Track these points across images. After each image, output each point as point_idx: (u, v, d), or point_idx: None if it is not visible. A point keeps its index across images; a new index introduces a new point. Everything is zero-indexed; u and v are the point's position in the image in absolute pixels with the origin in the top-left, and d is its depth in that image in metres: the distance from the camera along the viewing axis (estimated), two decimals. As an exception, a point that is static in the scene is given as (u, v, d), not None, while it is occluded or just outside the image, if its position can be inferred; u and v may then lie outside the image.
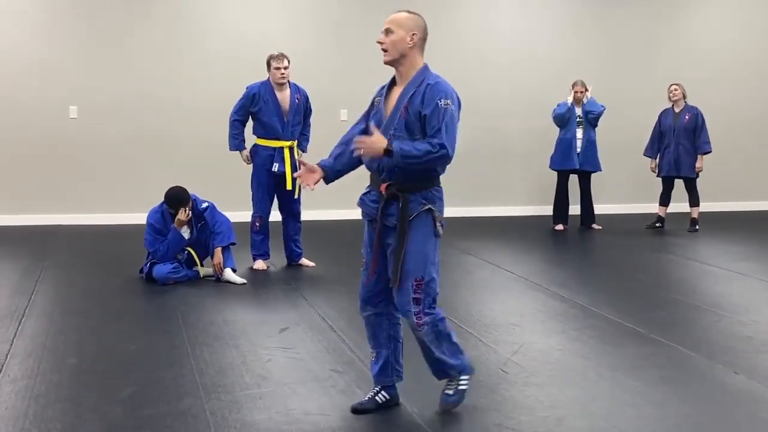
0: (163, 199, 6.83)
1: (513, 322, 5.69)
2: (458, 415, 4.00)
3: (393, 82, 3.96)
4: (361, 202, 4.01)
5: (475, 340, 5.25)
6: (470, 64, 10.69)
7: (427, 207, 3.85)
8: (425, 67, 3.89)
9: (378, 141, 3.69)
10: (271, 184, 7.29)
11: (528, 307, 6.17)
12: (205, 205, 6.96)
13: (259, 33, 9.97)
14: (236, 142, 7.28)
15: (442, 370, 4.03)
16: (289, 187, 7.24)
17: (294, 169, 7.23)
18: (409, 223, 3.81)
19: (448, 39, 10.63)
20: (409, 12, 3.90)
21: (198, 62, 9.97)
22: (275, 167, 7.18)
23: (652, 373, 4.63)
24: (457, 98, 3.86)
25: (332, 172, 4.01)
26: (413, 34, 3.83)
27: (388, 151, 3.67)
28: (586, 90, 9.64)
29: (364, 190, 4.01)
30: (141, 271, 6.94)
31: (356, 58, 10.37)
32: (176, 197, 6.78)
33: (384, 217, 3.87)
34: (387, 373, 4.07)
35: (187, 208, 6.76)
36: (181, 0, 9.95)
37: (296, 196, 7.33)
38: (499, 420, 3.93)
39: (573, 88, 9.63)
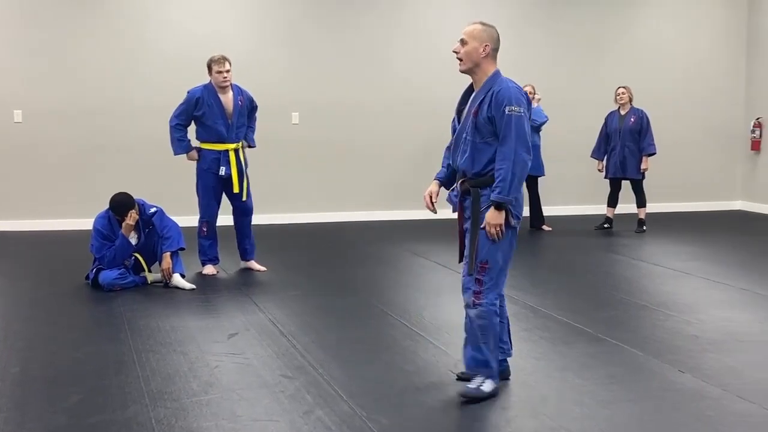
0: (108, 206, 6.74)
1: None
2: (407, 418, 3.99)
3: (471, 88, 4.35)
4: (449, 197, 4.48)
5: (426, 342, 5.25)
6: (422, 66, 10.71)
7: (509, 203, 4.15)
8: (495, 74, 4.24)
9: (494, 219, 4.09)
10: (217, 188, 7.23)
11: (478, 309, 6.17)
12: (153, 210, 6.87)
13: (208, 35, 9.88)
14: (182, 144, 7.19)
15: (475, 360, 4.25)
16: (236, 190, 7.18)
17: (240, 171, 7.18)
18: (482, 214, 4.17)
19: (400, 42, 10.65)
20: (483, 24, 4.29)
21: (146, 64, 9.85)
22: (222, 171, 7.12)
23: (601, 372, 4.67)
24: (525, 97, 4.18)
25: (448, 181, 4.56)
26: (486, 45, 4.21)
27: (500, 205, 4.08)
28: (536, 94, 9.71)
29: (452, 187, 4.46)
30: (87, 277, 6.83)
31: (307, 62, 10.33)
32: (121, 204, 6.68)
33: (463, 210, 4.33)
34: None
35: (133, 213, 6.67)
36: (129, 2, 9.81)
37: (243, 199, 7.27)
38: (447, 422, 3.93)
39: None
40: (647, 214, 10.07)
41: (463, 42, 4.22)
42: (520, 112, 4.08)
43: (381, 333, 5.51)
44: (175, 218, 7.06)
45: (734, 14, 11.93)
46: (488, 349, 4.23)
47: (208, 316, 5.97)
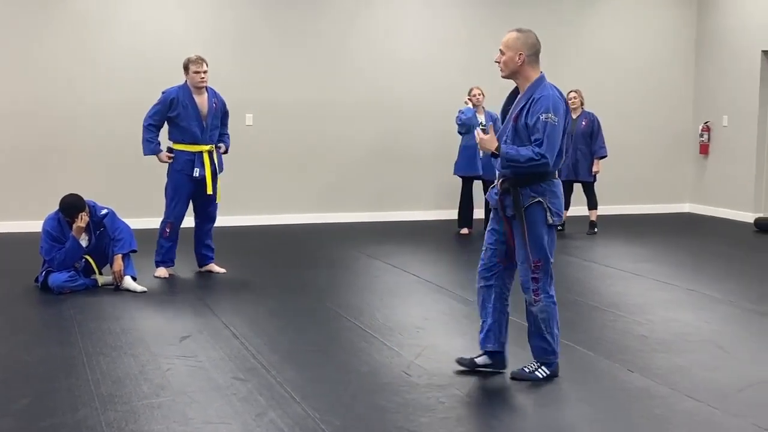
0: (58, 207, 6.65)
1: (418, 326, 5.72)
2: (360, 419, 4.00)
3: (517, 91, 4.55)
4: (489, 194, 4.63)
5: (380, 343, 5.27)
6: (377, 67, 10.74)
7: (537, 199, 4.38)
8: (537, 80, 4.43)
9: (490, 141, 4.38)
10: (189, 190, 7.18)
11: (433, 311, 6.22)
12: (104, 211, 6.80)
13: (163, 37, 9.80)
14: (152, 146, 7.11)
15: (542, 350, 4.52)
16: (209, 191, 7.15)
17: (214, 173, 7.15)
18: (525, 211, 4.38)
19: (354, 42, 10.66)
20: (518, 31, 4.48)
21: (98, 65, 9.71)
22: (196, 172, 7.08)
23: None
24: (563, 105, 4.40)
25: None
26: (520, 54, 4.40)
27: (497, 153, 4.34)
28: (483, 95, 9.77)
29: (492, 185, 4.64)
30: (36, 279, 6.73)
31: (261, 63, 10.30)
32: (71, 206, 6.60)
33: (502, 208, 4.48)
34: (489, 339, 4.62)
35: (83, 215, 6.59)
36: (85, 2, 9.68)
37: (218, 201, 7.28)
38: (400, 422, 3.95)
39: (470, 93, 9.76)
40: (599, 216, 10.20)
41: (501, 52, 4.44)
42: (555, 121, 4.30)
43: (334, 335, 5.51)
44: (128, 220, 6.99)
45: (684, 19, 12.13)
46: (552, 336, 4.53)
47: (160, 319, 5.92)
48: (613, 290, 6.98)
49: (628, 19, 11.90)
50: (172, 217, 7.20)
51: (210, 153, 7.16)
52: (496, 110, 9.77)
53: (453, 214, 10.25)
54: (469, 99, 9.76)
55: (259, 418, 4.00)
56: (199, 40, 9.91)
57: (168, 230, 7.20)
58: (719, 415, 4.10)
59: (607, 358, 4.98)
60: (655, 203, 12.15)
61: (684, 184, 12.34)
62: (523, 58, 4.40)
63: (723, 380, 4.65)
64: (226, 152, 7.40)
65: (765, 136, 11.24)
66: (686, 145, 12.26)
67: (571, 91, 10.07)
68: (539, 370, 4.55)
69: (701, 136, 12.00)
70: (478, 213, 10.13)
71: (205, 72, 7.06)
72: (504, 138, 4.45)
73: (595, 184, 10.11)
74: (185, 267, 7.47)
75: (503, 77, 4.52)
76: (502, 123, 4.57)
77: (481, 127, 4.43)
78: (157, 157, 7.15)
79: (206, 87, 7.18)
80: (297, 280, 7.23)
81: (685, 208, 12.31)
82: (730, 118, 11.58)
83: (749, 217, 10.97)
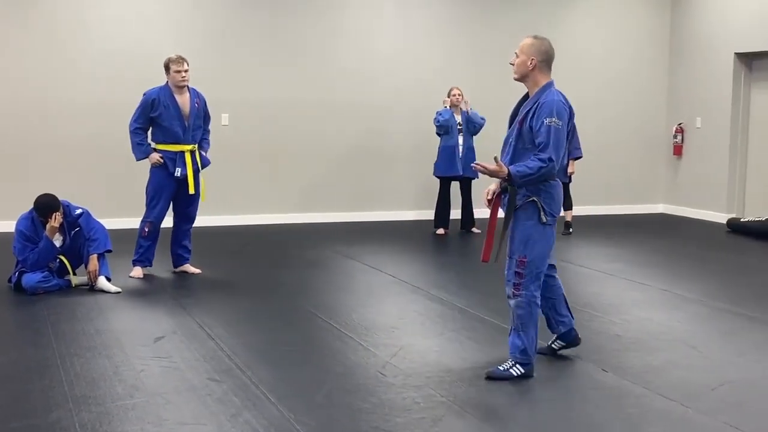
0: (32, 207, 6.61)
1: (393, 325, 5.73)
2: (335, 419, 4.00)
3: (527, 96, 4.69)
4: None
5: (355, 343, 5.27)
6: (353, 67, 10.74)
7: (531, 199, 4.53)
8: (545, 86, 4.60)
9: (499, 171, 4.44)
10: (170, 190, 7.15)
11: (408, 310, 6.22)
12: (79, 211, 6.75)
13: (138, 37, 9.74)
14: (143, 148, 7.07)
15: (516, 348, 4.61)
16: (192, 191, 7.12)
17: (196, 172, 7.12)
18: (517, 211, 4.56)
19: (331, 42, 10.65)
20: (534, 38, 4.63)
21: (75, 66, 9.64)
22: (178, 172, 7.05)
23: (527, 372, 4.74)
24: (568, 110, 4.58)
25: None
26: (532, 59, 4.57)
27: (509, 177, 4.43)
28: (462, 96, 9.81)
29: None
30: (10, 280, 6.68)
31: (235, 63, 10.27)
32: (45, 205, 6.55)
33: (502, 207, 4.68)
34: (552, 325, 4.92)
35: (57, 215, 6.54)
36: (59, 1, 9.60)
37: (203, 200, 7.27)
38: (375, 422, 3.96)
39: (450, 94, 9.81)
40: (574, 217, 10.27)
41: (516, 54, 4.62)
42: (558, 125, 4.45)
43: (310, 335, 5.51)
44: (103, 220, 6.95)
45: (659, 21, 12.23)
46: (527, 337, 4.59)
47: (135, 320, 5.90)
48: (587, 290, 7.02)
49: (603, 21, 11.99)
50: (152, 216, 7.17)
51: (192, 153, 7.14)
52: (478, 109, 9.95)
53: (430, 214, 10.28)
54: (448, 99, 9.80)
55: (234, 418, 3.99)
56: (175, 40, 9.87)
57: (147, 230, 7.16)
58: (692, 414, 4.14)
59: (581, 358, 5.01)
60: (630, 204, 12.23)
61: (658, 185, 12.44)
62: (534, 63, 4.57)
63: (696, 379, 4.69)
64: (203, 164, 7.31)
65: (738, 137, 11.35)
66: (660, 146, 12.36)
67: (546, 92, 10.11)
68: (514, 368, 4.61)
69: (675, 137, 12.10)
70: (455, 214, 10.16)
71: (186, 71, 7.05)
72: (510, 140, 4.63)
73: (571, 185, 10.17)
74: (161, 267, 7.44)
75: (515, 79, 4.71)
76: (509, 127, 4.71)
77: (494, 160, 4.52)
78: (149, 158, 7.09)
79: (188, 87, 7.14)
80: (272, 280, 7.22)
81: (659, 208, 12.41)
82: (703, 120, 11.70)
83: (722, 217, 11.08)
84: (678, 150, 12.09)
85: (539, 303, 4.65)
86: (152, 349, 5.10)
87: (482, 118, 9.87)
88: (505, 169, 4.45)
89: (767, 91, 11.02)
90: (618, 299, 6.65)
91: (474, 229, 10.10)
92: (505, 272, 4.66)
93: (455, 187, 10.07)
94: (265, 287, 6.94)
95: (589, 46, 11.88)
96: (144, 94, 7.11)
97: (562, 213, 10.12)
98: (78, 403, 4.13)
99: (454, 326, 5.76)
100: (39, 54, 9.54)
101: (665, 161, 12.36)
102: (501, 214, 4.73)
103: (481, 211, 10.51)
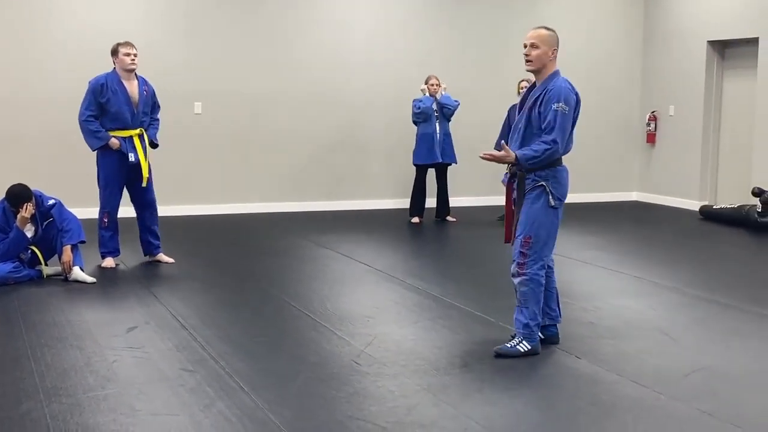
0: (3, 196, 6.52)
1: (368, 315, 5.72)
2: (309, 409, 3.98)
3: (535, 85, 4.85)
4: (503, 179, 5.04)
5: (330, 333, 5.25)
6: (329, 56, 10.68)
7: (540, 183, 4.72)
8: (553, 74, 4.80)
9: (506, 156, 4.61)
10: (121, 177, 7.07)
11: (383, 299, 6.21)
12: (51, 202, 6.68)
13: (109, 25, 9.61)
14: (100, 134, 6.93)
15: (519, 323, 4.80)
16: (145, 174, 7.05)
17: (146, 155, 7.03)
18: (527, 195, 4.75)
19: (306, 31, 10.59)
20: (547, 29, 4.83)
21: (45, 54, 9.52)
22: (131, 157, 6.97)
23: (501, 360, 4.74)
24: (575, 97, 4.79)
25: None
26: (554, 50, 4.80)
27: (516, 162, 4.62)
28: (440, 84, 9.81)
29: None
30: (-21, 271, 6.59)
31: (211, 51, 10.18)
32: (17, 195, 6.47)
33: (511, 192, 4.91)
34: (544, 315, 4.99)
35: (29, 206, 6.46)
36: (24, -13, 9.48)
37: (144, 185, 7.11)
38: (349, 411, 3.94)
39: (427, 82, 9.79)
40: (548, 205, 10.27)
41: (533, 46, 4.72)
42: (565, 110, 4.66)
43: (284, 324, 5.49)
44: (75, 210, 6.87)
45: (632, 9, 12.26)
46: (529, 312, 4.78)
47: (107, 310, 5.84)
48: (561, 278, 6.93)
49: (576, 9, 12.00)
50: (108, 206, 7.09)
51: (141, 137, 7.06)
52: (456, 96, 9.93)
53: (405, 203, 10.27)
54: (426, 86, 9.78)
55: (207, 409, 3.96)
56: (148, 28, 9.78)
57: (106, 220, 7.10)
58: (664, 401, 4.16)
59: (555, 345, 5.02)
60: (603, 192, 12.28)
61: (631, 173, 12.49)
62: (555, 54, 4.79)
63: (668, 366, 4.72)
64: (153, 145, 7.22)
65: (710, 125, 11.42)
66: (633, 134, 12.41)
67: (522, 80, 10.13)
68: (521, 344, 4.79)
69: (648, 125, 12.16)
70: (431, 202, 10.16)
71: (135, 55, 6.96)
72: (519, 126, 4.79)
73: (545, 172, 10.18)
74: (133, 257, 7.38)
75: (530, 70, 4.80)
76: (518, 113, 4.88)
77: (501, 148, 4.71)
78: (110, 144, 6.99)
79: (136, 74, 7.06)
80: (246, 269, 7.18)
81: (633, 196, 12.47)
82: (676, 108, 11.76)
83: (695, 205, 11.17)
84: (651, 138, 12.15)
85: (543, 282, 4.81)
86: (125, 339, 5.06)
87: (456, 101, 9.85)
88: (512, 154, 4.61)
89: (739, 79, 11.09)
90: (592, 287, 6.68)
91: (449, 218, 10.10)
92: (513, 249, 4.87)
93: (431, 175, 10.06)
94: (239, 277, 6.90)
95: (563, 36, 11.81)
96: (90, 82, 6.99)
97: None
98: (49, 395, 4.09)
99: (429, 315, 5.75)
100: (7, 46, 9.40)
101: (639, 149, 12.41)
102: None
103: (456, 200, 10.54)
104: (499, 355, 4.75)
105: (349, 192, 10.98)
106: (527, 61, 4.76)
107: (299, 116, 10.65)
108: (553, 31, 4.83)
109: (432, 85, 9.78)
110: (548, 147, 4.61)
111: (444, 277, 6.95)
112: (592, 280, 6.97)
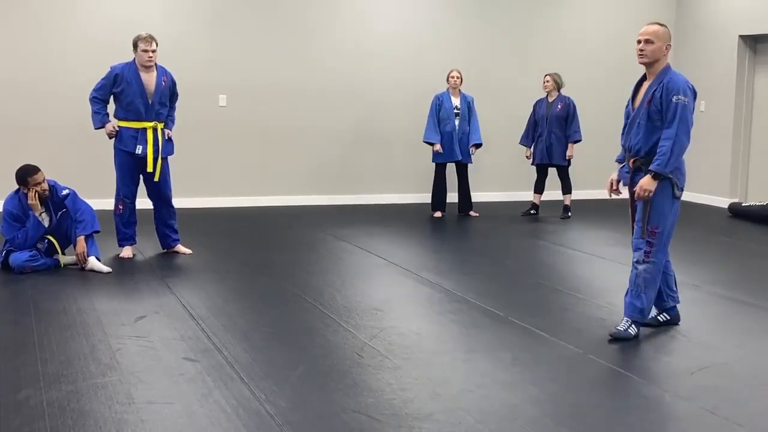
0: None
1: (377, 307, 5.68)
2: (306, 400, 3.97)
3: (644, 78, 5.07)
4: (620, 173, 5.21)
5: (336, 325, 5.23)
6: (353, 50, 10.66)
7: (667, 176, 4.87)
8: (666, 67, 4.98)
9: (647, 185, 4.86)
10: (133, 167, 7.09)
11: (394, 293, 6.18)
12: (65, 192, 6.73)
13: (136, 18, 9.66)
14: (99, 116, 7.01)
15: (633, 307, 5.03)
16: (150, 169, 7.06)
17: (156, 151, 7.05)
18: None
19: (331, 24, 10.58)
20: (661, 25, 5.04)
21: (69, 46, 9.60)
22: (138, 149, 7.00)
23: (505, 355, 4.70)
24: (691, 89, 4.89)
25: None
26: (667, 45, 4.99)
27: (656, 175, 4.84)
28: (461, 77, 9.73)
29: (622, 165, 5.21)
30: (-3, 260, 6.67)
31: (236, 44, 10.20)
32: (23, 171, 6.55)
33: (633, 185, 5.03)
34: (662, 298, 5.25)
35: (38, 178, 6.49)
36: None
37: (156, 180, 7.12)
38: (345, 403, 3.92)
39: (448, 75, 9.74)
40: (573, 201, 10.18)
41: (648, 41, 4.95)
42: (685, 102, 4.80)
43: (293, 316, 5.48)
44: (95, 201, 6.92)
45: (663, 3, 12.06)
46: (647, 299, 5.03)
47: (118, 299, 5.87)
48: (577, 273, 6.97)
49: (606, 3, 11.84)
50: (122, 193, 7.13)
51: (154, 130, 7.07)
52: (471, 92, 9.88)
53: (428, 197, 10.21)
54: (451, 79, 9.73)
55: (204, 398, 3.96)
56: (174, 21, 9.82)
57: (120, 207, 7.13)
58: (668, 398, 4.09)
59: (563, 341, 4.96)
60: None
61: (661, 170, 12.29)
62: (668, 49, 4.97)
63: (677, 363, 4.64)
64: (169, 139, 7.25)
65: (741, 121, 11.23)
66: (664, 130, 12.22)
67: (546, 75, 10.02)
68: (631, 327, 5.01)
69: (678, 121, 11.96)
70: (452, 197, 10.10)
71: (153, 51, 6.96)
72: (638, 120, 4.96)
73: (570, 168, 10.08)
74: (150, 247, 7.42)
75: (644, 63, 5.00)
76: (633, 108, 5.05)
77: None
78: (105, 128, 7.02)
79: (156, 65, 7.08)
80: (262, 261, 7.18)
81: (662, 193, 12.27)
82: (707, 104, 11.55)
83: (725, 202, 10.98)
84: (681, 134, 11.95)
85: (662, 270, 5.07)
86: (132, 328, 5.08)
87: (481, 140, 9.91)
88: (653, 181, 4.84)
89: (771, 74, 10.89)
90: (607, 283, 6.58)
91: (472, 213, 10.03)
92: (633, 240, 5.09)
93: (451, 169, 9.99)
94: (254, 268, 6.91)
95: (593, 30, 11.74)
96: (110, 68, 7.05)
97: (561, 197, 10.14)
98: (49, 382, 4.11)
99: (439, 309, 5.71)
100: (32, 37, 9.50)
101: (668, 145, 12.21)
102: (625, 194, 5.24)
103: (479, 195, 10.47)
104: (614, 339, 4.94)
105: (372, 186, 10.95)
106: (641, 55, 4.96)
107: (323, 110, 10.64)
108: (666, 26, 5.03)
109: (453, 77, 9.71)
110: (672, 142, 4.77)
111: (459, 272, 6.90)
112: (606, 276, 6.88)
